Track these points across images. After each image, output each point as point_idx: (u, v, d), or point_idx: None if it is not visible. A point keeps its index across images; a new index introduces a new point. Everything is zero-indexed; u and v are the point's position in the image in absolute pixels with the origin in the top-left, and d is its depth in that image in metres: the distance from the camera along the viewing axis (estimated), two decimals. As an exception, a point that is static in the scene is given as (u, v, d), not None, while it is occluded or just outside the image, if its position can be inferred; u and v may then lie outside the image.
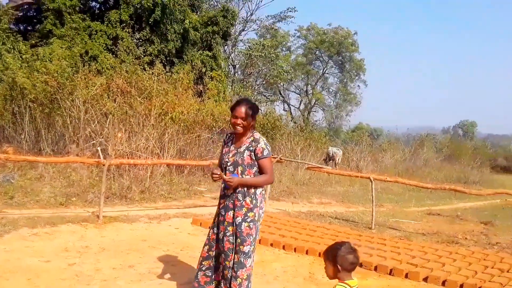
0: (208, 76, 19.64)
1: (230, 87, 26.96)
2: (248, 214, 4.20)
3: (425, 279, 5.89)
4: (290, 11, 33.57)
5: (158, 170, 11.77)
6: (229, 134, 4.51)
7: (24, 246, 6.00)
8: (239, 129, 4.23)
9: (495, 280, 5.82)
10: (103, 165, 8.22)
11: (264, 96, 37.33)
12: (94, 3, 20.54)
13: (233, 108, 4.26)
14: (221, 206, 4.33)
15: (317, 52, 44.87)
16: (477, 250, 7.56)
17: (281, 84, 38.55)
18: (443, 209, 13.69)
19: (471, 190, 11.38)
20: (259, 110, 4.42)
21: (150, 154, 12.11)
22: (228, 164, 4.27)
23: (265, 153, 4.23)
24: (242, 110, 4.18)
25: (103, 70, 15.69)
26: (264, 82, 34.12)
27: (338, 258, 3.06)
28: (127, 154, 11.49)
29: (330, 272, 3.12)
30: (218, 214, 4.38)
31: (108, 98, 13.51)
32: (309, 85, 45.52)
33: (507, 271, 6.30)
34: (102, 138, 11.86)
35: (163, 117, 13.41)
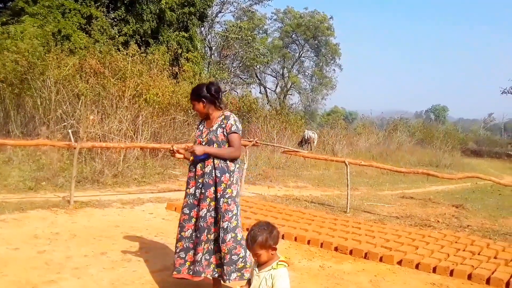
0: (184, 58, 19.40)
1: (207, 69, 26.71)
2: (227, 191, 4.31)
3: (399, 262, 5.95)
4: (267, -6, 33.34)
5: (132, 154, 11.60)
6: (201, 119, 4.68)
7: (-9, 233, 5.82)
8: (201, 114, 4.55)
9: (467, 262, 5.92)
10: (74, 148, 8.02)
11: (241, 78, 37.16)
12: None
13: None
14: (198, 184, 4.37)
15: (293, 36, 44.92)
16: (449, 233, 7.68)
17: (258, 66, 38.48)
18: (416, 193, 13.88)
19: (443, 174, 11.50)
20: (212, 86, 4.50)
21: (123, 137, 11.91)
22: (203, 143, 4.39)
23: (233, 128, 4.38)
24: (193, 103, 4.51)
25: (76, 50, 15.32)
26: (240, 65, 33.91)
27: (270, 241, 3.05)
28: (99, 137, 11.27)
29: (264, 258, 3.09)
30: (192, 194, 4.39)
31: (81, 78, 13.23)
32: (285, 68, 45.56)
33: (478, 254, 6.43)
34: (74, 120, 11.60)
35: (137, 99, 13.20)
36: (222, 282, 4.38)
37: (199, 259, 4.28)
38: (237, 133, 4.40)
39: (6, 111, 12.25)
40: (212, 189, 4.30)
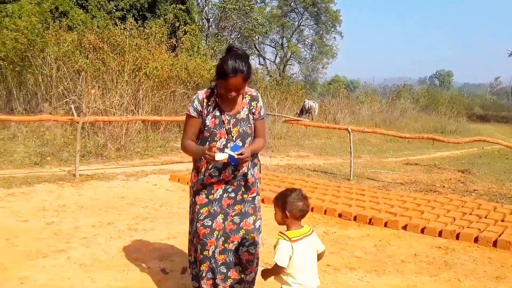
0: (182, 31, 19.23)
1: (205, 42, 26.49)
2: (258, 185, 3.52)
3: (404, 227, 5.97)
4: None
5: (134, 127, 11.62)
6: (204, 98, 3.31)
7: (0, 206, 5.89)
8: (235, 96, 3.22)
9: (473, 226, 5.93)
10: (77, 122, 8.05)
11: (239, 50, 36.70)
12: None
13: (224, 77, 3.07)
14: (227, 187, 3.38)
15: (292, 4, 44.17)
16: (455, 198, 7.67)
17: (256, 37, 38.04)
18: (421, 159, 13.85)
19: (449, 138, 11.50)
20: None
21: (124, 111, 11.93)
22: (234, 138, 3.29)
23: (262, 112, 3.41)
24: (239, 82, 3.09)
25: (74, 26, 15.24)
26: (239, 36, 33.57)
27: (287, 205, 2.93)
28: (101, 112, 11.29)
29: (279, 218, 2.99)
30: (217, 199, 3.36)
31: (80, 54, 13.20)
32: (285, 38, 45.04)
33: (485, 217, 6.43)
34: (75, 95, 11.59)
35: (136, 73, 13.17)
36: None
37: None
38: (264, 118, 3.46)
39: (8, 89, 12.29)
40: (243, 190, 3.40)
